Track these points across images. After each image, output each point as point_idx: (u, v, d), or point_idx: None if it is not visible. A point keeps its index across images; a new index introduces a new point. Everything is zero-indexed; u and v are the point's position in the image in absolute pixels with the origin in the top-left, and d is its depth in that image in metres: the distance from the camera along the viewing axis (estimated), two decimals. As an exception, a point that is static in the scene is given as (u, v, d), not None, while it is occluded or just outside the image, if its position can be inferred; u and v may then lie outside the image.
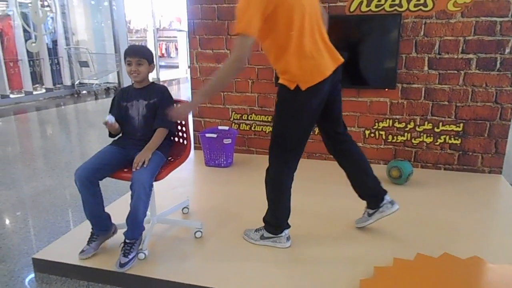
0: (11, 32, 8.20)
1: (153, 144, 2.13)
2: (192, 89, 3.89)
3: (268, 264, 2.02)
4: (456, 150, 3.31)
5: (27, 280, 2.06)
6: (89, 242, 2.11)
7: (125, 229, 2.02)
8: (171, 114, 1.99)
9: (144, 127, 2.22)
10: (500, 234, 2.34)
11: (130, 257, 1.97)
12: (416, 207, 2.65)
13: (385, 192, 2.25)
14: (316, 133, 3.61)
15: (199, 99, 2.20)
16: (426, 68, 3.22)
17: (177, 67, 12.77)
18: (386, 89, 3.34)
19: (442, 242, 2.21)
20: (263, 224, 2.21)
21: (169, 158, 2.28)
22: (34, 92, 8.45)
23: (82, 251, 2.07)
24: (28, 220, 2.76)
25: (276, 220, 2.16)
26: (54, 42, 9.02)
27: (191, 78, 3.88)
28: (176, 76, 11.97)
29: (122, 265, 1.94)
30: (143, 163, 2.00)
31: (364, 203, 2.33)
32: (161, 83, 2.29)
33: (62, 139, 5.35)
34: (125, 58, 2.16)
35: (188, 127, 2.30)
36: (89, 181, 2.00)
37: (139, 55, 2.14)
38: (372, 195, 2.27)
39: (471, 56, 3.09)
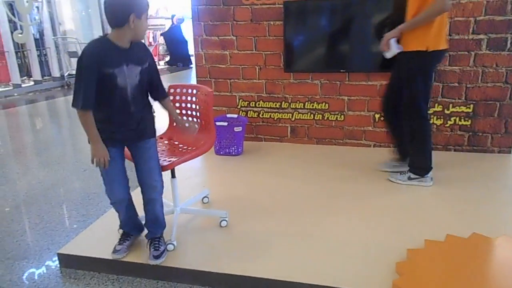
0: (-5, 23, 7.90)
1: (176, 113, 2.10)
2: (197, 77, 3.81)
3: (298, 249, 2.01)
4: (466, 131, 3.33)
5: (54, 276, 2.00)
6: (123, 241, 2.03)
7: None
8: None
9: (136, 100, 1.79)
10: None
11: (161, 249, 1.94)
12: (429, 188, 2.67)
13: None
14: (325, 118, 3.60)
15: (403, 27, 2.45)
16: (436, 49, 3.20)
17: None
18: (396, 72, 3.32)
19: (468, 222, 2.22)
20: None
21: (188, 148, 2.21)
22: (23, 85, 8.21)
23: (116, 250, 1.99)
24: (43, 215, 2.68)
25: (422, 163, 2.63)
26: (41, 33, 8.74)
27: (196, 65, 3.80)
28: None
29: (156, 257, 1.90)
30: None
31: None
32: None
33: (55, 132, 5.22)
34: (146, 11, 1.69)
35: (211, 113, 2.21)
36: (127, 198, 1.97)
37: None
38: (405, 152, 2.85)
39: (481, 36, 3.09)
